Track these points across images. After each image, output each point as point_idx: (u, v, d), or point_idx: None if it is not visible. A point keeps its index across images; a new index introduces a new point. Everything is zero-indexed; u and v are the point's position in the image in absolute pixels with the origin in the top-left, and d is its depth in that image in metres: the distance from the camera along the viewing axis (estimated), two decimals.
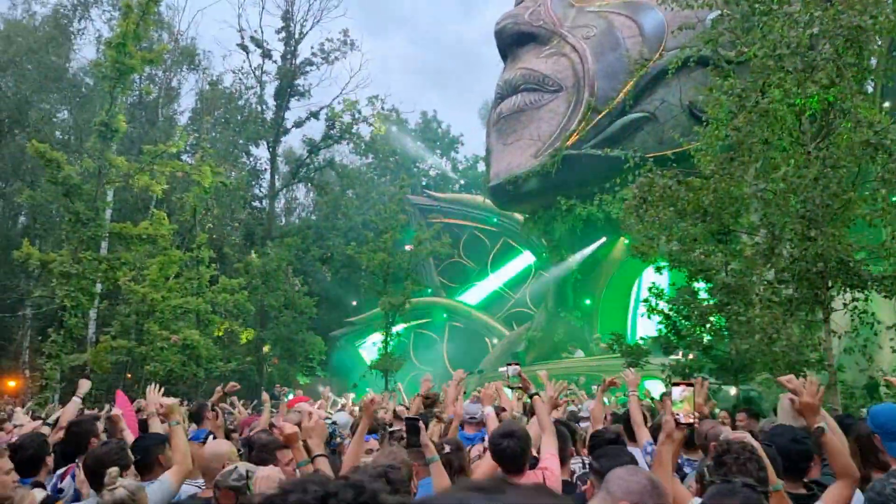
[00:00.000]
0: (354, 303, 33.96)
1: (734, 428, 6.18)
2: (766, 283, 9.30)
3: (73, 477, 4.30)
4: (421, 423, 4.31)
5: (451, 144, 49.77)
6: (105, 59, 18.19)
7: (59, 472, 4.38)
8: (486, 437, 5.13)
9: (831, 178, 8.39)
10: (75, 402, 5.88)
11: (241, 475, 3.14)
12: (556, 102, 19.87)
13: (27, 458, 4.22)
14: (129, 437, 5.40)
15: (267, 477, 2.74)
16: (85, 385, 6.09)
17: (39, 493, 3.82)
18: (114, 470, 3.82)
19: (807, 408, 3.22)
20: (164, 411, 4.05)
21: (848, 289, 8.82)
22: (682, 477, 4.18)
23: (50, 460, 4.41)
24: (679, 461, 4.69)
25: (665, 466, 2.89)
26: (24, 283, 26.54)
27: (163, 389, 4.64)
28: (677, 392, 2.97)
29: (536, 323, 25.73)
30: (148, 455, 3.80)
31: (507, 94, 20.61)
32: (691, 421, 2.95)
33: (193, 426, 6.52)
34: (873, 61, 9.93)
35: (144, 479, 3.72)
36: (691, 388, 2.98)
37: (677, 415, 2.92)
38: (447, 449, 4.09)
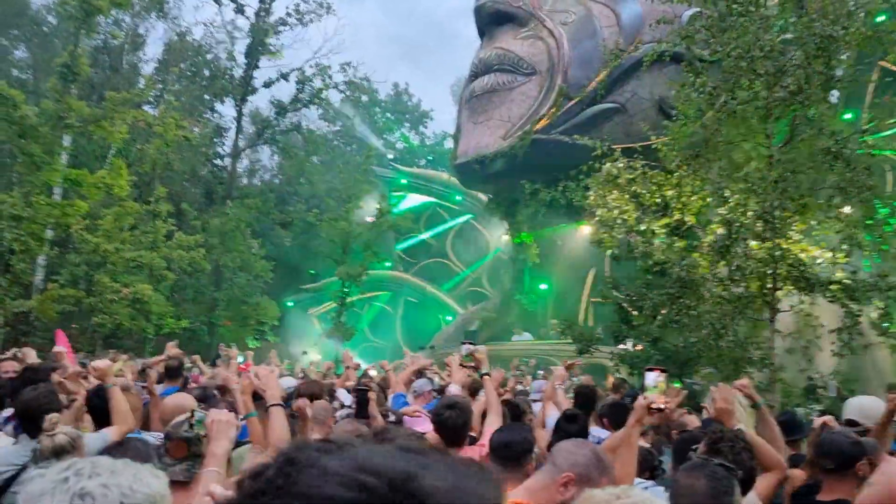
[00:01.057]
0: (313, 271, 33.73)
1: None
2: (717, 280, 9.53)
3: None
4: (370, 395, 4.35)
5: (420, 118, 49.49)
6: None
7: (5, 414, 4.32)
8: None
9: (791, 183, 8.60)
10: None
11: (190, 425, 3.11)
12: (529, 85, 19.87)
13: None
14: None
15: (227, 422, 2.73)
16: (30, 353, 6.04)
17: None
18: (54, 416, 3.78)
19: (721, 413, 3.42)
20: (97, 375, 4.00)
21: (795, 291, 9.11)
22: None
23: None
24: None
25: (633, 448, 2.97)
26: None
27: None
28: (651, 378, 3.03)
29: (491, 304, 25.91)
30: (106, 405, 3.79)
31: (482, 72, 20.53)
32: (662, 406, 3.03)
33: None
34: (839, 71, 10.16)
35: (100, 428, 3.72)
36: (665, 374, 3.05)
37: (649, 399, 2.99)
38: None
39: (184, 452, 2.86)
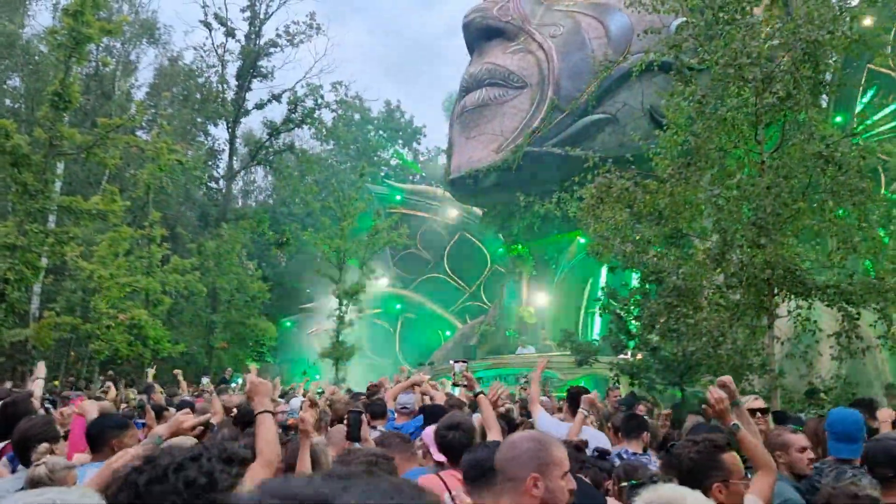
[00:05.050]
0: (310, 290, 33.64)
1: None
2: (714, 287, 9.51)
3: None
4: (364, 417, 4.28)
5: (413, 135, 49.61)
6: (61, 26, 17.57)
7: None
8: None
9: (783, 188, 8.61)
10: (38, 384, 5.89)
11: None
12: (520, 99, 19.94)
13: None
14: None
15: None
16: (41, 369, 6.10)
17: None
18: (43, 446, 3.74)
19: (717, 414, 3.47)
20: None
21: (793, 296, 9.09)
22: (612, 466, 4.23)
23: None
24: (618, 450, 4.79)
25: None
26: None
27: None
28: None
29: (489, 317, 25.85)
30: (102, 435, 3.73)
31: (472, 87, 20.60)
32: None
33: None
34: (827, 76, 10.21)
35: (95, 459, 3.66)
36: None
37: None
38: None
39: None
